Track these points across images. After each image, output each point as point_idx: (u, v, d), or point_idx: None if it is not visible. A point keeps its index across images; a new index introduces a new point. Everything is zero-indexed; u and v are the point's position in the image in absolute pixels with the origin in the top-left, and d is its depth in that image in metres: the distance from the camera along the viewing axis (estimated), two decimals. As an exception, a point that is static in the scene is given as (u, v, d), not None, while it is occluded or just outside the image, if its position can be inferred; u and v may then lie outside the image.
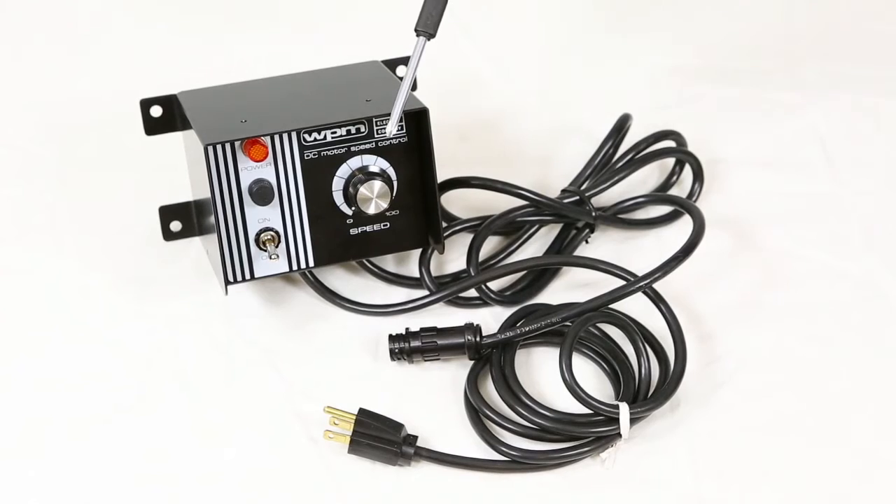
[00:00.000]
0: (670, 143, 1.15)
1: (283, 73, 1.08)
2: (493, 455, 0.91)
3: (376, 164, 1.00)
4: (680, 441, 0.92)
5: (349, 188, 0.99)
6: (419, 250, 1.04)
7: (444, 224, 1.06)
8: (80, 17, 1.41)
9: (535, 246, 1.11)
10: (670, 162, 1.16)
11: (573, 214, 1.08)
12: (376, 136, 0.99)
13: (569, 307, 0.97)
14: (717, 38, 1.38)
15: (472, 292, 1.04)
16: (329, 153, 0.99)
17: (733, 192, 1.16)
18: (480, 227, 1.06)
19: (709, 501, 0.88)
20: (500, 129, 1.27)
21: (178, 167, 1.09)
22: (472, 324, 0.98)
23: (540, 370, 0.98)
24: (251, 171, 0.98)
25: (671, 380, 0.94)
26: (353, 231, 1.01)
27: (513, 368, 0.95)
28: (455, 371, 0.98)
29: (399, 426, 0.91)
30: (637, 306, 0.99)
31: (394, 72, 1.07)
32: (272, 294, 1.06)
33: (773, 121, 1.26)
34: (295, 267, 1.01)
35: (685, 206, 1.06)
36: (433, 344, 0.97)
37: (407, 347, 0.97)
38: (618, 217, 1.11)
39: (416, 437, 0.91)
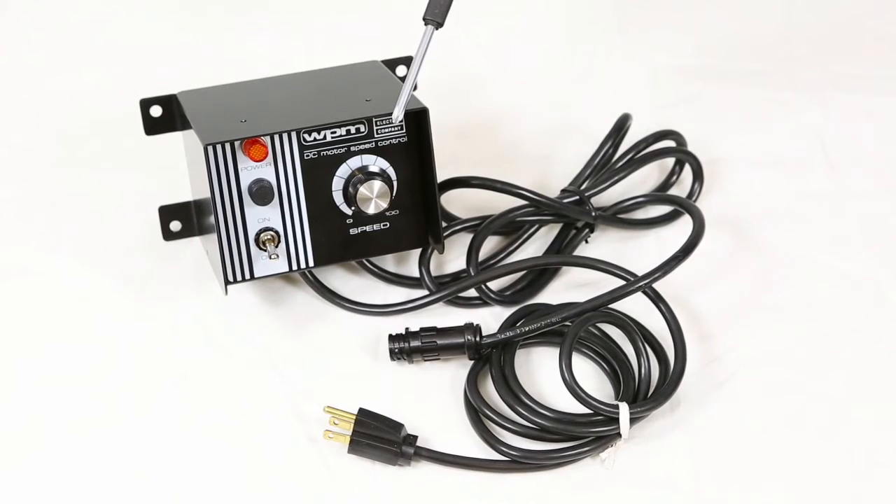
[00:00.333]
0: (670, 143, 1.15)
1: (282, 72, 1.08)
2: (493, 455, 0.91)
3: (376, 163, 1.00)
4: (680, 441, 0.92)
5: (349, 188, 0.99)
6: (419, 250, 1.04)
7: (444, 224, 1.06)
8: (81, 17, 1.41)
9: (535, 246, 1.10)
10: (670, 162, 1.16)
11: (573, 214, 1.08)
12: (376, 135, 0.99)
13: (569, 307, 0.97)
14: (717, 38, 1.38)
15: (472, 292, 1.04)
16: (329, 153, 0.99)
17: (733, 192, 1.16)
18: (480, 227, 1.06)
19: (709, 501, 0.87)
20: (499, 129, 1.27)
21: (178, 167, 1.09)
22: (471, 324, 0.98)
23: (540, 370, 0.98)
24: (251, 170, 0.98)
25: (671, 380, 0.93)
26: (353, 231, 1.01)
27: (513, 368, 0.95)
28: (455, 371, 0.98)
29: (399, 426, 0.91)
30: (637, 306, 0.99)
31: (394, 72, 1.07)
32: (272, 294, 1.06)
33: (773, 121, 1.26)
34: (295, 267, 1.01)
35: (685, 206, 1.06)
36: (433, 344, 0.97)
37: (407, 347, 0.97)
38: (617, 217, 1.11)
39: (415, 437, 0.91)
